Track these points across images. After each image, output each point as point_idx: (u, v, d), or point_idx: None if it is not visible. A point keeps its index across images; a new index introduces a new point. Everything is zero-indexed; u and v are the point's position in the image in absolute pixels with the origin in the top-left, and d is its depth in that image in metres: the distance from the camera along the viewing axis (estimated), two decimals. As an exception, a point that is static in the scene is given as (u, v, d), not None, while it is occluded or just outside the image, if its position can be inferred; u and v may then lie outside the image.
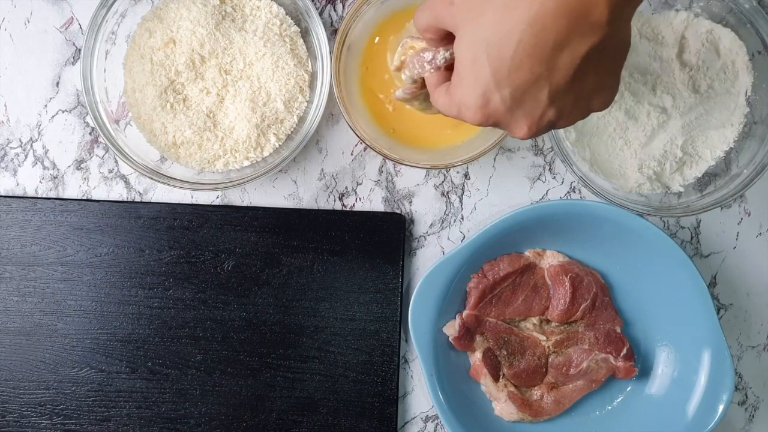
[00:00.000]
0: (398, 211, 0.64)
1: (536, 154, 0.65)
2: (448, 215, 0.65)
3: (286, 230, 0.62)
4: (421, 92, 0.50)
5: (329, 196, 0.64)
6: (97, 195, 0.63)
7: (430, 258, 0.64)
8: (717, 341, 0.61)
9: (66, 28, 0.63)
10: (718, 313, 0.62)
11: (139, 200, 0.63)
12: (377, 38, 0.60)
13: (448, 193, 0.64)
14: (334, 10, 0.63)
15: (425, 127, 0.61)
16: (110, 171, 0.63)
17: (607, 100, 0.43)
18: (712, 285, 0.66)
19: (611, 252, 0.64)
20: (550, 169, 0.65)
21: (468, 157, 0.58)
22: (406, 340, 0.64)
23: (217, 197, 0.64)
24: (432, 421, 0.65)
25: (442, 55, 0.45)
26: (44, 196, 0.63)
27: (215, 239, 0.62)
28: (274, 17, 0.60)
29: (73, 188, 0.63)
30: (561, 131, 0.60)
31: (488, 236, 0.61)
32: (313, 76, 0.61)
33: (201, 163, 0.61)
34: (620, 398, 0.65)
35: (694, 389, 0.62)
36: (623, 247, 0.63)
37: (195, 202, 0.63)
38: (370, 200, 0.64)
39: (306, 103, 0.61)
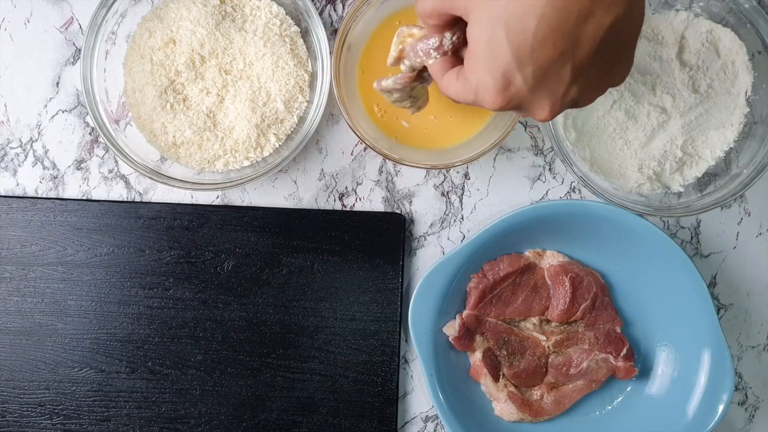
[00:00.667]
0: (398, 211, 0.64)
1: (536, 154, 0.65)
2: (448, 215, 0.65)
3: (286, 230, 0.62)
4: (410, 85, 0.48)
5: (329, 196, 0.64)
6: (97, 195, 0.63)
7: (430, 258, 0.64)
8: (717, 341, 0.61)
9: (66, 28, 0.63)
10: (718, 313, 0.62)
11: (139, 200, 0.63)
12: (377, 38, 0.60)
13: (448, 193, 0.64)
14: (334, 10, 0.63)
15: (425, 127, 0.61)
16: (110, 171, 0.63)
17: (624, 74, 0.41)
18: (712, 285, 0.66)
19: (611, 252, 0.64)
20: (550, 169, 0.65)
21: (468, 157, 0.58)
22: (406, 340, 0.64)
23: (217, 197, 0.64)
24: (432, 421, 0.65)
25: (449, 39, 0.42)
26: (44, 196, 0.63)
27: (215, 239, 0.62)
28: (274, 17, 0.60)
29: (73, 188, 0.63)
30: (561, 131, 0.60)
31: (488, 236, 0.61)
32: (313, 76, 0.61)
33: (201, 163, 0.61)
34: (620, 398, 0.65)
35: (694, 389, 0.62)
36: (623, 247, 0.63)
37: (195, 202, 0.63)
38: (370, 200, 0.64)
39: (306, 103, 0.61)
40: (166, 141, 0.60)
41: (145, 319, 0.62)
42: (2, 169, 0.63)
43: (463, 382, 0.63)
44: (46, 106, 0.63)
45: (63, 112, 0.63)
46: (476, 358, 0.63)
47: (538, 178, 0.65)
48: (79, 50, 0.63)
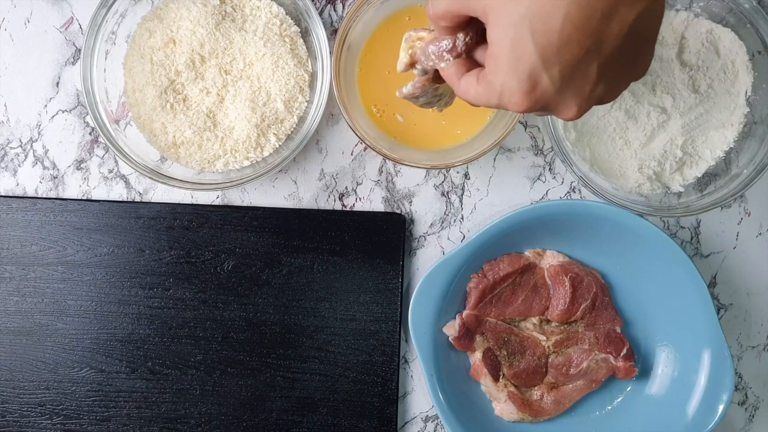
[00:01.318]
0: (398, 211, 0.64)
1: (536, 154, 0.65)
2: (448, 215, 0.65)
3: (286, 230, 0.62)
4: (430, 86, 0.47)
5: (329, 196, 0.64)
6: (97, 195, 0.63)
7: (430, 258, 0.64)
8: (717, 341, 0.61)
9: (66, 28, 0.63)
10: (718, 313, 0.62)
11: (139, 200, 0.63)
12: (377, 38, 0.60)
13: (448, 193, 0.64)
14: (334, 10, 0.63)
15: (425, 127, 0.61)
16: (110, 171, 0.63)
17: (646, 67, 0.41)
18: (712, 285, 0.66)
19: (611, 252, 0.64)
20: (550, 169, 0.65)
21: (468, 157, 0.58)
22: (406, 340, 0.64)
23: (217, 197, 0.64)
24: (432, 421, 0.65)
25: (462, 40, 0.41)
26: (44, 196, 0.63)
27: (215, 239, 0.62)
28: (274, 17, 0.60)
29: (73, 188, 0.63)
30: (561, 131, 0.60)
31: (488, 236, 0.61)
32: (313, 76, 0.61)
33: (201, 163, 0.61)
34: (620, 398, 0.65)
35: (694, 389, 0.62)
36: (623, 247, 0.63)
37: (195, 202, 0.63)
38: (370, 200, 0.64)
39: (306, 103, 0.61)
40: (166, 141, 0.60)
41: (145, 319, 0.62)
42: (2, 169, 0.63)
43: (463, 382, 0.63)
44: (46, 106, 0.63)
45: (63, 112, 0.63)
46: (476, 358, 0.63)
47: (538, 178, 0.65)
48: (79, 50, 0.63)
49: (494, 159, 0.65)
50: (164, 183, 0.59)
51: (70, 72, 0.63)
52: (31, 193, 0.63)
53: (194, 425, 0.62)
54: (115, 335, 0.62)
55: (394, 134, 0.61)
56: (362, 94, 0.61)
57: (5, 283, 0.61)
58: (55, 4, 0.63)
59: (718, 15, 0.62)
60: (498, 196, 0.65)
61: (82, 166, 0.63)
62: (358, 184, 0.64)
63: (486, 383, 0.63)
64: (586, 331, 0.63)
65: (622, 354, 0.63)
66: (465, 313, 0.62)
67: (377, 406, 0.62)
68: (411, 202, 0.64)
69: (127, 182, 0.63)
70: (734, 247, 0.66)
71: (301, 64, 0.61)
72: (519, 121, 0.63)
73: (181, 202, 0.63)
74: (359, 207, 0.64)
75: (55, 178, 0.63)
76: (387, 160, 0.63)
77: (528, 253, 0.64)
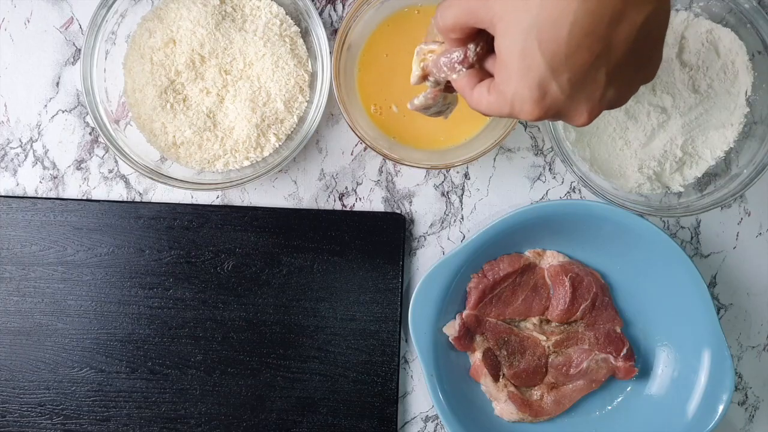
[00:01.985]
0: (398, 211, 0.64)
1: (536, 154, 0.65)
2: (448, 215, 0.65)
3: (286, 230, 0.62)
4: (441, 96, 0.47)
5: (329, 196, 0.64)
6: (97, 195, 0.63)
7: (430, 258, 0.64)
8: (717, 341, 0.61)
9: (66, 28, 0.63)
10: (718, 313, 0.62)
11: (139, 200, 0.63)
12: (377, 38, 0.60)
13: (448, 193, 0.64)
14: (334, 10, 0.63)
15: (425, 127, 0.61)
16: (110, 171, 0.63)
17: (655, 70, 0.41)
18: (712, 285, 0.66)
19: (611, 252, 0.64)
20: (550, 169, 0.65)
21: (468, 157, 0.58)
22: (406, 340, 0.64)
23: (217, 197, 0.64)
24: (432, 421, 0.65)
25: (473, 51, 0.41)
26: (44, 196, 0.63)
27: (215, 239, 0.62)
28: (274, 17, 0.60)
29: (73, 188, 0.63)
30: (561, 131, 0.60)
31: (488, 236, 0.61)
32: (313, 76, 0.61)
33: (201, 163, 0.61)
34: (620, 398, 0.65)
35: (694, 389, 0.62)
36: (623, 247, 0.63)
37: (195, 202, 0.63)
38: (370, 200, 0.64)
39: (306, 103, 0.61)
40: (166, 141, 0.60)
41: (145, 319, 0.62)
42: (2, 169, 0.63)
43: (463, 382, 0.63)
44: (46, 106, 0.63)
45: (63, 112, 0.63)
46: (476, 358, 0.63)
47: (538, 178, 0.65)
48: (79, 50, 0.63)
49: (494, 159, 0.65)
50: (164, 183, 0.59)
51: (70, 72, 0.63)
52: (31, 193, 0.63)
53: (194, 425, 0.62)
54: (115, 335, 0.62)
55: (394, 134, 0.61)
56: (362, 94, 0.61)
57: (5, 283, 0.61)
58: (55, 4, 0.63)
59: (718, 15, 0.62)
60: (498, 196, 0.65)
61: (82, 166, 0.63)
62: (358, 184, 0.64)
63: (486, 383, 0.63)
64: (586, 331, 0.63)
65: (622, 354, 0.63)
66: (465, 313, 0.62)
67: (377, 406, 0.62)
68: (411, 202, 0.64)
69: (127, 182, 0.63)
70: (734, 247, 0.66)
71: (301, 64, 0.61)
72: (519, 121, 0.63)
73: (181, 202, 0.63)
74: (359, 207, 0.64)
75: (55, 178, 0.63)
76: (387, 160, 0.63)
77: (528, 253, 0.64)
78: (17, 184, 0.63)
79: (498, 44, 0.39)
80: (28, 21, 0.62)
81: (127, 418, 0.62)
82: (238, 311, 0.62)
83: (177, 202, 0.63)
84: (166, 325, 0.62)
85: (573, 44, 0.36)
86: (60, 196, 0.63)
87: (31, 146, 0.63)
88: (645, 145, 0.62)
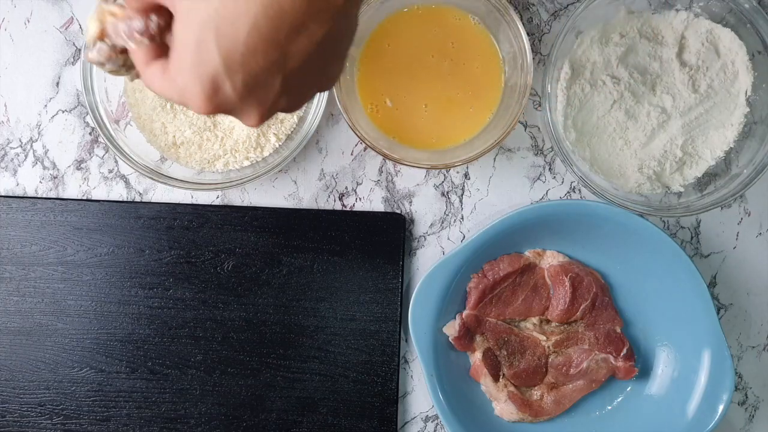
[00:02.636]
0: (398, 211, 0.64)
1: (536, 154, 0.65)
2: (448, 215, 0.65)
3: (286, 230, 0.62)
4: (117, 57, 0.43)
5: (329, 196, 0.64)
6: (97, 195, 0.63)
7: (430, 258, 0.64)
8: (717, 341, 0.61)
9: (66, 28, 0.63)
10: (718, 313, 0.62)
11: (139, 200, 0.63)
12: (377, 38, 0.60)
13: (448, 193, 0.64)
14: (334, 10, 0.63)
15: (425, 127, 0.61)
16: (110, 171, 0.63)
17: (333, 81, 0.41)
18: (712, 285, 0.66)
19: (611, 252, 0.64)
20: (550, 169, 0.65)
21: (468, 157, 0.58)
22: (406, 340, 0.64)
23: (217, 197, 0.64)
24: (432, 421, 0.65)
25: (155, 22, 0.38)
26: (44, 196, 0.63)
27: (215, 239, 0.62)
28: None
29: (73, 188, 0.63)
30: (561, 131, 0.60)
31: (488, 236, 0.61)
32: (313, 76, 0.61)
33: (201, 163, 0.61)
34: (620, 398, 0.65)
35: (694, 389, 0.62)
36: (623, 247, 0.63)
37: (195, 202, 0.63)
38: (370, 200, 0.64)
39: (306, 103, 0.61)
40: (166, 141, 0.60)
41: (145, 319, 0.62)
42: (2, 169, 0.63)
43: (463, 382, 0.63)
44: (46, 106, 0.63)
45: (63, 112, 0.63)
46: (476, 358, 0.63)
47: (538, 178, 0.65)
48: (79, 50, 0.63)
49: (494, 159, 0.65)
50: (164, 183, 0.59)
51: (70, 72, 0.63)
52: (31, 193, 0.63)
53: (194, 425, 0.62)
54: (115, 335, 0.62)
55: (394, 134, 0.61)
56: (362, 93, 0.61)
57: (5, 283, 0.61)
58: (55, 4, 0.63)
59: (718, 15, 0.62)
60: (498, 196, 0.65)
61: (82, 166, 0.63)
62: (358, 184, 0.64)
63: (486, 383, 0.63)
64: (586, 331, 0.63)
65: (622, 354, 0.63)
66: (465, 313, 0.62)
67: (377, 406, 0.62)
68: (411, 202, 0.64)
69: (127, 182, 0.63)
70: (734, 247, 0.66)
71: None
72: (519, 121, 0.63)
73: (181, 202, 0.63)
74: (359, 207, 0.64)
75: (55, 178, 0.63)
76: (387, 160, 0.63)
77: (528, 253, 0.64)
78: (17, 184, 0.63)
79: (175, 28, 0.37)
80: (28, 21, 0.62)
81: (127, 418, 0.62)
82: (238, 311, 0.62)
83: (177, 202, 0.63)
84: (166, 325, 0.62)
85: (250, 47, 0.35)
86: (60, 196, 0.63)
87: (31, 146, 0.63)
88: (645, 145, 0.62)
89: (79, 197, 0.63)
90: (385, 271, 0.62)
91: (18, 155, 0.63)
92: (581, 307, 0.63)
